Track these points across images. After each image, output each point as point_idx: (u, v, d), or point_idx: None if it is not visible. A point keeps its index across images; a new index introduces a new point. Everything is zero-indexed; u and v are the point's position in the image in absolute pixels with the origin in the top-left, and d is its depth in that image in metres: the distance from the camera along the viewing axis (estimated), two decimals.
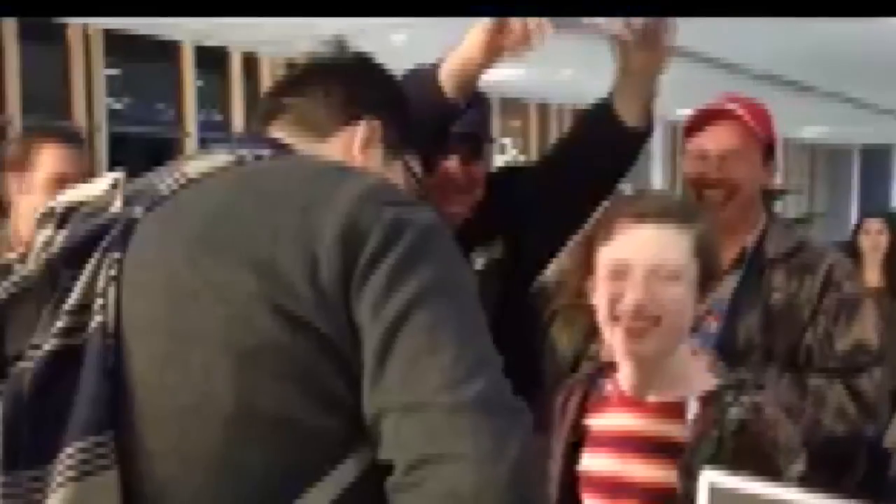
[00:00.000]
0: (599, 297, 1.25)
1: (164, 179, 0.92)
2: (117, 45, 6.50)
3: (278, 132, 1.03)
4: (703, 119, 1.74)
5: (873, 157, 15.00)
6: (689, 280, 1.23)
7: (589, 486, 1.28)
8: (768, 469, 1.11)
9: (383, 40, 6.44)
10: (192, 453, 0.81)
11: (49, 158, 2.02)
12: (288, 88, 1.05)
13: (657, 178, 10.93)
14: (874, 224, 3.72)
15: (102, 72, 6.51)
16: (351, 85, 1.04)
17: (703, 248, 1.24)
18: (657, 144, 11.21)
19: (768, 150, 1.72)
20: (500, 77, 8.76)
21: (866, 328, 1.58)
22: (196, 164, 0.93)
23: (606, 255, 1.25)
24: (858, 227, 3.79)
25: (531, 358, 1.65)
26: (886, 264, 3.62)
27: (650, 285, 1.21)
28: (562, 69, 8.03)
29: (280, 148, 0.98)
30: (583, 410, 1.33)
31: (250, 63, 7.08)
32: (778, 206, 8.88)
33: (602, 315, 1.25)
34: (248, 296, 0.80)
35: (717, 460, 1.12)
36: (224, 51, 7.06)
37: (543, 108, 9.95)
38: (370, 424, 0.80)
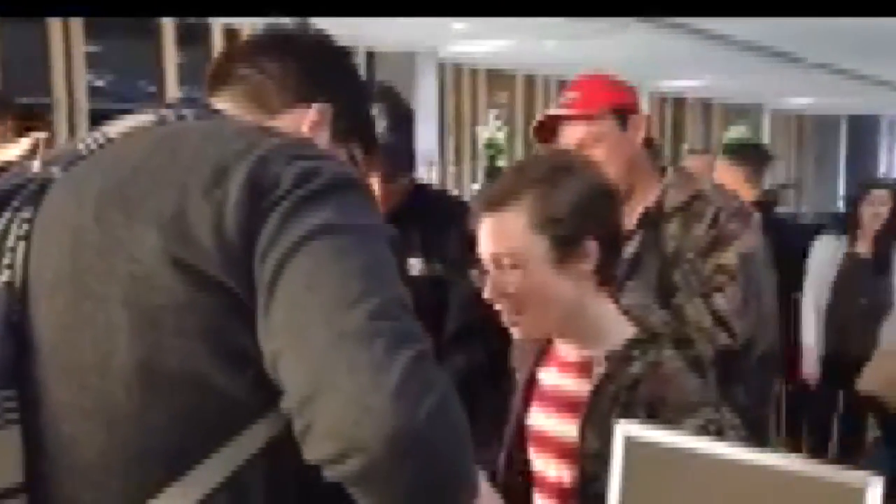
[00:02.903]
0: None
1: (84, 141, 0.92)
2: (97, 21, 6.39)
3: (223, 103, 1.00)
4: (550, 128, 1.76)
5: (860, 126, 15.01)
6: (538, 257, 1.20)
7: (529, 439, 1.32)
8: (656, 423, 1.12)
9: None
10: (95, 410, 0.81)
11: None
12: (241, 57, 1.01)
13: None
14: (880, 194, 3.69)
15: (82, 49, 6.40)
16: (309, 66, 1.01)
17: (549, 220, 1.20)
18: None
19: (621, 115, 1.71)
20: (487, 49, 8.68)
21: (730, 256, 1.63)
22: (118, 124, 0.92)
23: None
24: (862, 196, 3.76)
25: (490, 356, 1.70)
26: (879, 236, 3.64)
27: (498, 276, 1.22)
28: (546, 41, 7.96)
29: (205, 109, 0.96)
30: (538, 365, 1.36)
31: (232, 38, 6.98)
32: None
33: None
34: (153, 253, 0.79)
35: (613, 416, 1.11)
36: (205, 26, 6.94)
37: (530, 81, 9.87)
38: (271, 373, 0.78)
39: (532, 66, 9.50)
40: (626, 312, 1.29)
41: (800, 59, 9.23)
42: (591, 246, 1.23)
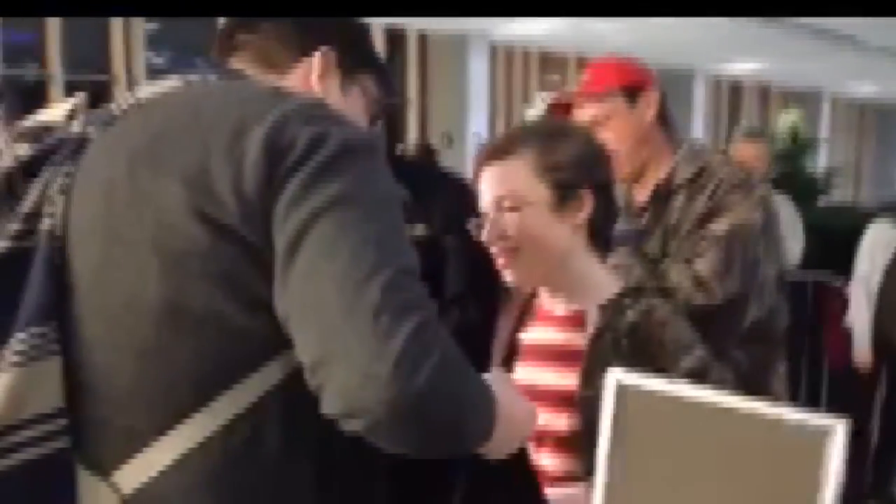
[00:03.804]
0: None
1: (118, 103, 1.00)
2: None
3: (239, 65, 1.07)
4: (565, 108, 1.85)
5: None
6: (538, 200, 1.29)
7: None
8: (655, 366, 1.17)
9: None
10: (126, 344, 0.88)
11: None
12: (240, 26, 1.08)
13: (699, 135, 10.75)
14: None
15: (143, 26, 6.55)
16: (300, 19, 1.08)
17: (549, 169, 1.29)
18: (699, 98, 11.00)
19: (630, 93, 1.79)
20: (539, 31, 8.65)
21: (721, 224, 1.68)
22: (148, 88, 1.00)
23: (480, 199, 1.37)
24: None
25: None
26: None
27: (498, 219, 1.30)
28: (597, 22, 7.90)
29: (230, 73, 1.04)
30: (519, 326, 1.42)
31: None
32: (821, 159, 8.70)
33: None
34: (178, 205, 0.87)
35: (612, 363, 1.12)
36: None
37: (582, 63, 9.82)
38: (283, 327, 0.85)
39: (585, 47, 9.44)
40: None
41: (862, 43, 9.00)
42: (587, 196, 1.31)
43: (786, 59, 10.11)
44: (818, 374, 3.96)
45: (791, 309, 3.99)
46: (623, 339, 1.27)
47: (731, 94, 12.15)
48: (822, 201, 5.56)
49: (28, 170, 0.94)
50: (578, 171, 1.31)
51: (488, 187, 1.32)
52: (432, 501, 1.05)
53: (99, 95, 6.42)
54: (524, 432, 1.00)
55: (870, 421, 3.83)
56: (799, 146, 5.77)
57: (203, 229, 0.85)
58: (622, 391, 0.76)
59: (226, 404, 0.87)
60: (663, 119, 1.81)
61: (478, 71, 8.68)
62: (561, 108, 1.84)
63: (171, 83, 0.99)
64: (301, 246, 0.83)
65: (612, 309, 1.30)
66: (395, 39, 8.37)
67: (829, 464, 0.62)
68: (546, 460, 1.28)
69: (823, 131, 12.46)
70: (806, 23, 7.90)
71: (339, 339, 0.80)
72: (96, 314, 0.89)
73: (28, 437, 0.86)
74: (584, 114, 1.79)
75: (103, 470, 0.89)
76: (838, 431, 0.62)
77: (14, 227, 0.91)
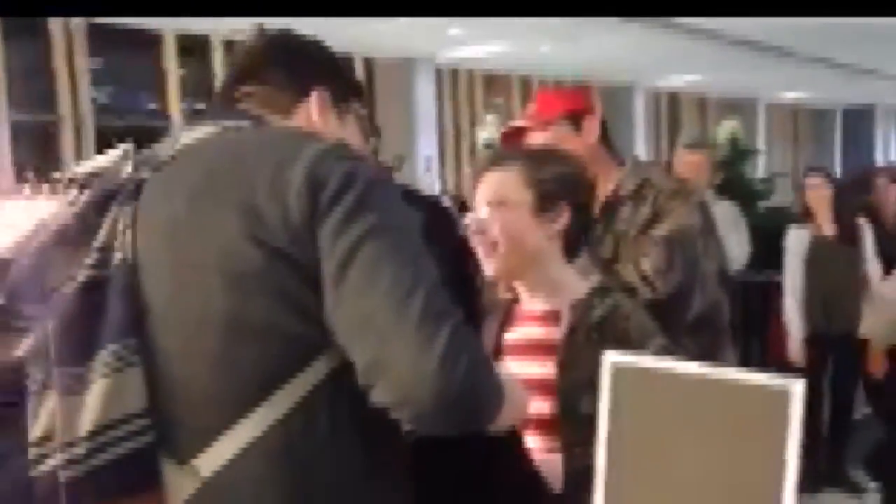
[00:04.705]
0: None
1: (164, 148, 1.16)
2: (97, 36, 6.52)
3: (255, 112, 1.22)
4: (516, 137, 2.03)
5: (855, 117, 15.14)
6: (521, 206, 1.48)
7: None
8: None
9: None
10: (198, 354, 1.04)
11: None
12: (239, 80, 1.24)
13: (641, 147, 11.02)
14: (814, 179, 4.00)
15: (86, 63, 6.53)
16: (290, 66, 1.24)
17: (536, 180, 1.49)
18: (639, 111, 11.28)
19: (574, 119, 1.97)
20: (483, 53, 8.83)
21: (662, 229, 1.87)
22: (189, 134, 1.16)
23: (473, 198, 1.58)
24: (803, 185, 4.09)
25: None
26: (834, 215, 3.89)
27: (486, 217, 1.50)
28: (542, 44, 8.10)
29: (256, 119, 1.20)
30: (503, 327, 1.59)
31: (232, 50, 7.08)
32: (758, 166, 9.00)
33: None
34: (235, 232, 1.03)
35: (585, 354, 1.40)
36: (204, 38, 7.09)
37: (526, 83, 10.02)
38: (334, 335, 1.02)
39: (527, 68, 9.65)
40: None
41: (791, 54, 9.36)
42: (564, 210, 1.50)
43: (720, 71, 10.44)
44: (765, 368, 4.12)
45: (739, 307, 4.14)
46: (593, 332, 1.44)
47: (670, 105, 12.48)
48: (763, 205, 5.77)
49: (96, 210, 1.10)
50: (561, 187, 1.50)
51: (484, 191, 1.52)
52: (450, 470, 1.21)
53: (46, 134, 6.36)
54: (522, 412, 1.18)
55: (820, 412, 4.00)
56: (738, 154, 5.98)
57: (258, 252, 1.01)
58: (617, 370, 0.86)
59: (282, 399, 1.04)
60: (606, 139, 2.01)
61: (424, 94, 8.81)
62: (512, 137, 2.01)
63: (208, 129, 1.16)
64: (349, 270, 1.00)
65: (583, 307, 1.48)
66: None
67: (791, 420, 0.72)
68: (529, 440, 1.41)
69: (761, 138, 12.86)
70: (738, 36, 8.20)
71: (390, 345, 0.97)
72: (172, 330, 1.05)
73: (118, 435, 1.01)
74: (534, 140, 1.95)
75: (184, 459, 1.04)
76: (797, 390, 0.72)
77: (90, 259, 1.06)
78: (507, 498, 1.26)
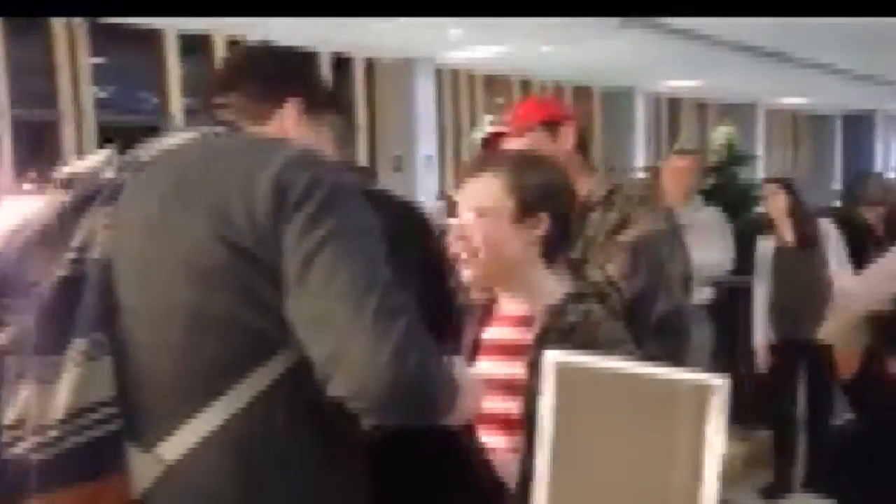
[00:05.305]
0: None
1: (146, 151, 1.24)
2: (100, 34, 6.56)
3: (230, 119, 1.30)
4: (495, 144, 2.12)
5: (855, 122, 15.15)
6: (501, 213, 1.51)
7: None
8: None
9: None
10: (164, 347, 1.12)
11: None
12: (218, 90, 1.32)
13: (640, 150, 11.05)
14: (770, 188, 4.09)
15: (88, 60, 6.57)
16: (265, 77, 1.32)
17: (517, 187, 1.52)
18: (639, 115, 11.30)
19: (550, 128, 2.05)
20: (484, 54, 8.86)
21: (629, 235, 1.93)
22: (169, 140, 1.24)
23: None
24: (763, 194, 4.20)
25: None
26: (792, 222, 3.95)
27: (468, 223, 1.53)
28: (540, 45, 8.13)
29: (231, 126, 1.28)
30: (480, 327, 1.63)
31: (234, 48, 7.12)
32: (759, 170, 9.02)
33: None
34: (203, 231, 1.10)
35: None
36: (207, 36, 7.12)
37: (526, 85, 10.05)
38: (294, 330, 1.08)
39: (527, 70, 9.68)
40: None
41: (791, 59, 9.38)
42: (544, 218, 1.53)
43: (720, 76, 10.46)
44: (751, 373, 4.18)
45: (724, 313, 4.19)
46: (564, 337, 1.47)
47: (670, 109, 12.50)
48: (757, 211, 5.79)
49: (77, 209, 1.18)
50: (542, 195, 1.54)
51: (467, 196, 1.55)
52: (406, 464, 1.26)
53: (47, 131, 6.40)
54: (475, 408, 1.25)
55: (793, 417, 4.05)
56: (733, 158, 6.01)
57: (224, 250, 1.09)
58: (560, 369, 0.91)
59: (243, 391, 1.11)
60: (582, 147, 2.08)
61: (424, 95, 8.84)
62: (493, 142, 2.09)
63: (188, 135, 1.23)
64: (310, 270, 1.06)
65: (556, 311, 1.51)
66: (342, 65, 8.50)
67: (712, 414, 0.76)
68: (496, 438, 1.46)
69: (760, 143, 12.88)
70: (738, 41, 8.22)
71: (346, 339, 1.04)
72: (142, 323, 1.13)
73: (87, 423, 1.08)
74: (514, 146, 2.02)
75: (149, 446, 1.11)
76: (719, 385, 0.76)
77: (69, 256, 1.14)
78: (461, 492, 1.30)
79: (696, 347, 3.75)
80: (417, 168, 8.63)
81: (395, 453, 1.22)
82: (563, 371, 0.91)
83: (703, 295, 3.81)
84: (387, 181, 8.65)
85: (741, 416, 4.54)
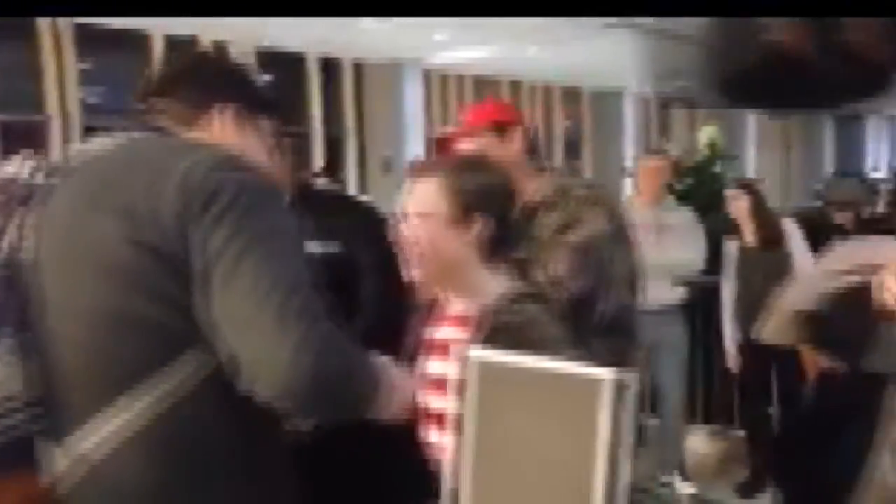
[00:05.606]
0: None
1: (76, 156, 1.29)
2: (87, 37, 6.57)
3: (165, 123, 1.34)
4: (447, 145, 2.17)
5: (847, 124, 15.21)
6: (438, 216, 1.56)
7: (427, 384, 1.63)
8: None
9: None
10: (80, 341, 1.16)
11: None
12: (151, 94, 1.36)
13: (630, 151, 11.07)
14: (731, 192, 4.12)
15: (75, 64, 6.59)
16: (197, 83, 1.36)
17: (452, 191, 1.57)
18: (629, 118, 11.34)
19: (499, 130, 2.10)
20: (472, 56, 8.88)
21: (575, 235, 1.97)
22: (98, 143, 1.29)
23: None
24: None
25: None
26: (755, 224, 3.96)
27: (411, 228, 1.58)
28: (528, 47, 8.15)
29: (158, 130, 1.31)
30: (426, 326, 1.67)
31: (220, 52, 7.15)
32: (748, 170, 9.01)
33: None
34: (112, 233, 1.14)
35: None
36: (193, 39, 7.14)
37: (515, 86, 10.08)
38: (209, 332, 1.11)
39: (516, 72, 9.71)
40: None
41: None
42: (480, 221, 1.57)
43: None
44: (724, 374, 4.20)
45: (698, 313, 4.19)
46: (500, 336, 1.47)
47: (660, 110, 12.54)
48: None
49: (5, 213, 1.23)
50: (476, 199, 1.58)
51: (409, 200, 1.60)
52: (338, 459, 1.31)
53: (35, 134, 6.40)
54: (403, 403, 1.30)
55: (768, 419, 4.08)
56: (713, 158, 6.03)
57: (130, 250, 1.13)
58: (482, 367, 0.93)
59: (152, 385, 1.14)
60: (531, 150, 2.14)
61: (413, 97, 8.88)
62: (445, 144, 2.13)
63: (117, 140, 1.27)
64: (214, 271, 1.10)
65: (492, 311, 1.54)
66: (330, 69, 8.53)
67: (602, 406, 0.79)
68: (443, 438, 1.47)
69: (751, 144, 12.92)
70: None
71: (248, 338, 1.08)
72: (64, 322, 1.18)
73: (5, 421, 1.14)
74: (464, 147, 2.06)
75: (65, 441, 1.16)
76: (608, 378, 0.79)
77: None
78: (394, 487, 1.33)
79: (667, 348, 3.78)
80: (406, 170, 8.65)
81: (332, 452, 1.24)
82: (485, 369, 0.93)
83: (676, 294, 3.83)
84: (376, 183, 8.71)
85: (718, 415, 4.58)
